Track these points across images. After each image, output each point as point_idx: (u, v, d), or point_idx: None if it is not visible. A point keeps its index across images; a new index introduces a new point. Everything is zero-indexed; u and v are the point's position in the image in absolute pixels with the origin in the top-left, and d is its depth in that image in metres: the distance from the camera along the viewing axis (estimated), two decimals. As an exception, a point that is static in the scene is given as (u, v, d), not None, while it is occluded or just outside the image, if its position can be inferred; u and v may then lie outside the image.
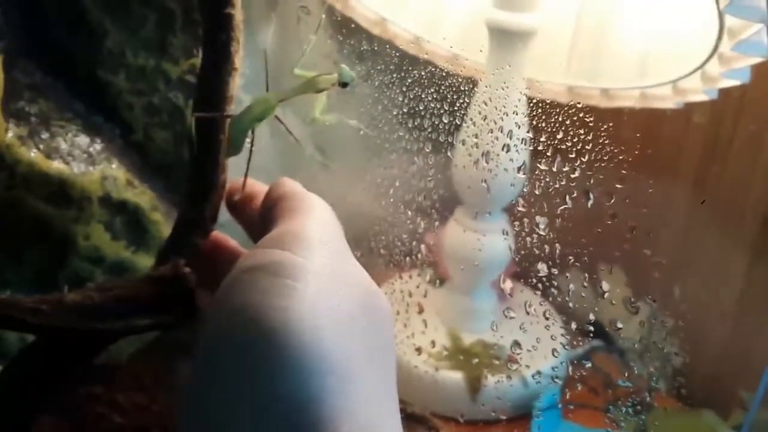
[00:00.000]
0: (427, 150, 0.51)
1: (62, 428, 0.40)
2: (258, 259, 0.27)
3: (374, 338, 0.27)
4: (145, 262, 0.53)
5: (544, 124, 0.47)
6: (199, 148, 0.37)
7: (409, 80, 0.50)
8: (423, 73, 0.50)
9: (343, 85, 0.38)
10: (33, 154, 0.46)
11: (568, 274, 0.48)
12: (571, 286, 0.48)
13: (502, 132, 0.51)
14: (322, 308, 0.25)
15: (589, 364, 0.61)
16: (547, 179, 0.46)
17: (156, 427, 0.42)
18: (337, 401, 0.24)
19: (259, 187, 0.36)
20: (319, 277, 0.26)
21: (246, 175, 0.38)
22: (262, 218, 0.33)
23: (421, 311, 0.59)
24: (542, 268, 0.47)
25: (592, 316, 0.47)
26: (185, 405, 0.26)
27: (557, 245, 0.46)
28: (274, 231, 0.30)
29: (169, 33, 0.51)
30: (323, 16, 0.43)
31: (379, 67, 0.51)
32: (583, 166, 0.45)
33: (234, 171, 0.38)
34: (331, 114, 0.39)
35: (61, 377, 0.36)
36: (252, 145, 0.38)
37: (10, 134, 0.45)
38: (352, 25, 0.56)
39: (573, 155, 0.45)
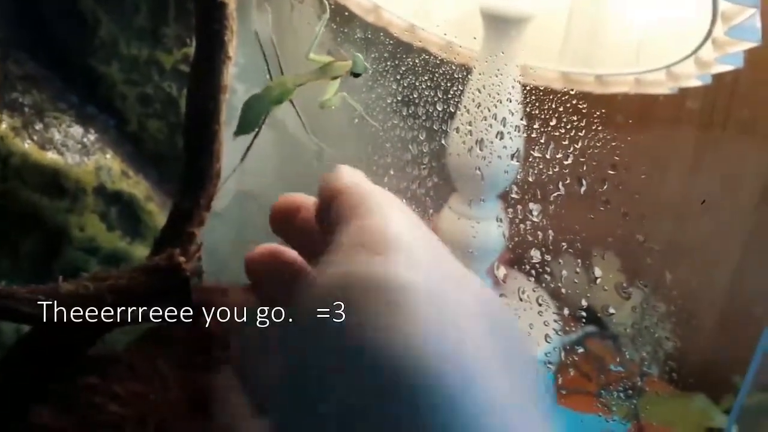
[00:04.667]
0: (422, 138, 0.51)
1: (59, 419, 0.41)
2: (354, 276, 0.24)
3: (499, 339, 0.24)
4: (140, 252, 0.53)
5: (537, 111, 0.47)
6: (193, 137, 0.37)
7: (403, 68, 0.50)
8: (417, 61, 0.50)
9: (355, 75, 0.38)
10: (27, 145, 0.46)
11: (561, 261, 0.48)
12: (564, 272, 0.49)
13: (495, 119, 0.51)
14: (432, 316, 0.23)
15: (581, 350, 0.61)
16: (541, 166, 0.47)
17: (153, 416, 0.42)
18: (464, 405, 0.21)
19: (301, 198, 0.32)
20: (425, 281, 0.24)
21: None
22: (321, 220, 0.29)
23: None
24: (536, 254, 0.47)
25: (584, 302, 0.48)
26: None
27: (550, 232, 0.46)
28: (352, 233, 0.25)
29: (162, 23, 0.51)
30: (327, 2, 0.43)
31: (373, 55, 0.50)
32: (577, 152, 0.45)
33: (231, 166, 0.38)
34: (336, 96, 0.39)
35: (58, 368, 0.36)
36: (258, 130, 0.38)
37: (3, 125, 0.45)
38: (346, 13, 0.56)
39: (566, 142, 0.46)
